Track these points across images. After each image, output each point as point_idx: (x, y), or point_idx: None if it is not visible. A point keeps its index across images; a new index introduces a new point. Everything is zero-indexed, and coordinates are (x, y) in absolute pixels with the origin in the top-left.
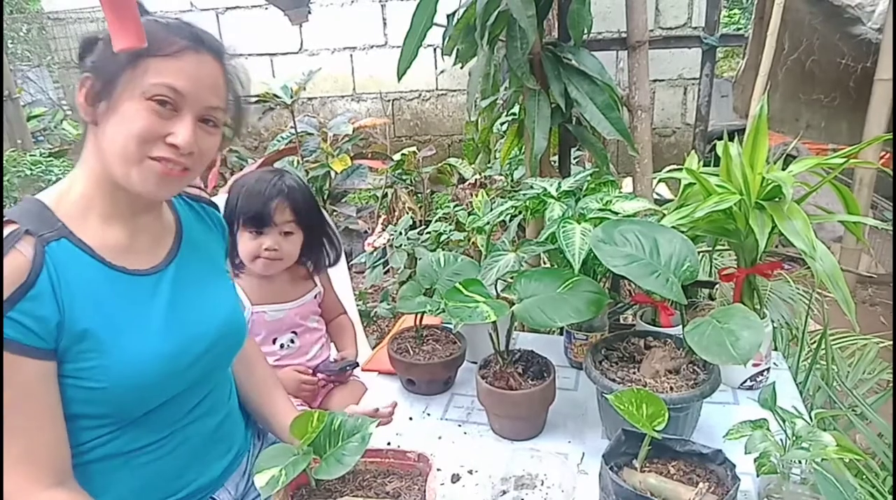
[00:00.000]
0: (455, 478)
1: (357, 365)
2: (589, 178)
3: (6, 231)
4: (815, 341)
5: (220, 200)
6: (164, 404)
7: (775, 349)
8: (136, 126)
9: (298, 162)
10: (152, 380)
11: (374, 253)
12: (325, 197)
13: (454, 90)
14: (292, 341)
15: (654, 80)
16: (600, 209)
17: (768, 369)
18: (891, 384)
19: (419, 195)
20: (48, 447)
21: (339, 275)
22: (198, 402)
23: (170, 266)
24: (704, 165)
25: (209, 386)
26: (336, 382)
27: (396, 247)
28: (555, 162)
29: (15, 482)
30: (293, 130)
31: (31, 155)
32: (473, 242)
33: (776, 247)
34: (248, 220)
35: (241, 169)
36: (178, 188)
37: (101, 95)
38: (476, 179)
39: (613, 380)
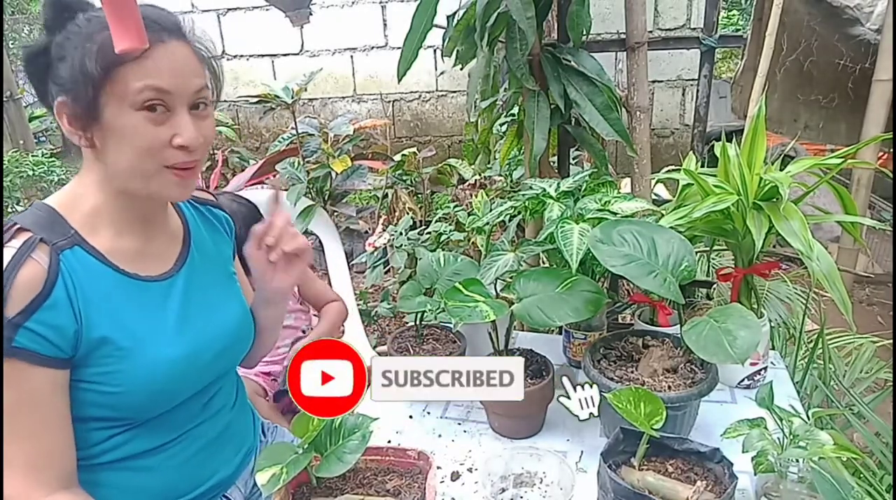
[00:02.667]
0: (455, 476)
1: None
2: (588, 178)
3: (20, 240)
4: (812, 341)
5: (250, 193)
6: (175, 406)
7: (773, 348)
8: (141, 142)
9: (299, 163)
10: (167, 384)
11: (375, 253)
12: (326, 197)
13: (454, 91)
14: None
15: (653, 82)
16: (599, 210)
17: (766, 368)
18: (889, 383)
19: (419, 196)
20: (54, 454)
21: (339, 275)
22: (207, 402)
23: (180, 271)
24: (702, 166)
25: (218, 386)
26: None
27: (397, 247)
28: (554, 163)
29: (19, 488)
30: (294, 131)
31: (33, 155)
32: (473, 243)
33: (774, 247)
34: None
35: (243, 170)
36: (196, 183)
37: (86, 117)
38: (476, 180)
39: (612, 379)
